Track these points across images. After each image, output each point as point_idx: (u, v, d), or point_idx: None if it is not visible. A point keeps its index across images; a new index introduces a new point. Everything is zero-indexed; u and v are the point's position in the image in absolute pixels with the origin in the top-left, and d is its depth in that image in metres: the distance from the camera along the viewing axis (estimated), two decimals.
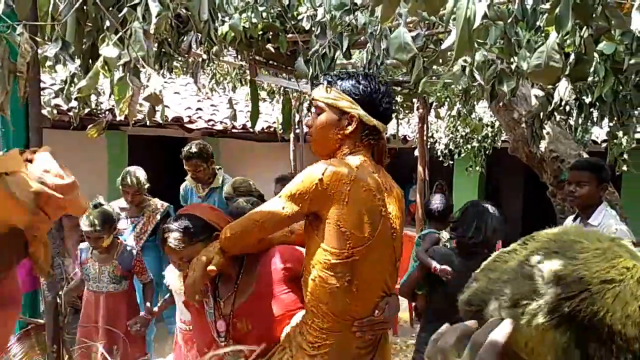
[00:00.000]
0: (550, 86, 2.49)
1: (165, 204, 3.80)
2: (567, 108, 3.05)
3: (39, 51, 1.34)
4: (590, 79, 2.38)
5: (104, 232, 2.81)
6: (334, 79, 1.65)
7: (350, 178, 1.52)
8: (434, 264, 2.60)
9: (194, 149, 3.73)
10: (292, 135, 6.54)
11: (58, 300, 1.80)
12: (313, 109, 1.70)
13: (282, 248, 1.80)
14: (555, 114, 2.96)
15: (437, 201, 3.60)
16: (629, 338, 0.55)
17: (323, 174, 1.51)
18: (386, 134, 1.80)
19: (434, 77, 3.96)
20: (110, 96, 3.12)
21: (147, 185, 3.68)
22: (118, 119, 4.51)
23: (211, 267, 1.64)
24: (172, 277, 2.55)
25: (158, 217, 3.70)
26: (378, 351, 1.68)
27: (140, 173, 3.64)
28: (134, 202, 3.67)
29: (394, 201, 1.67)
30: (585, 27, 1.71)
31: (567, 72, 1.80)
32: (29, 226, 0.82)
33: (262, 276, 1.75)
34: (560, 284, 0.58)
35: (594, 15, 1.60)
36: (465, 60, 2.28)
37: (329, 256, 1.54)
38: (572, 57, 1.82)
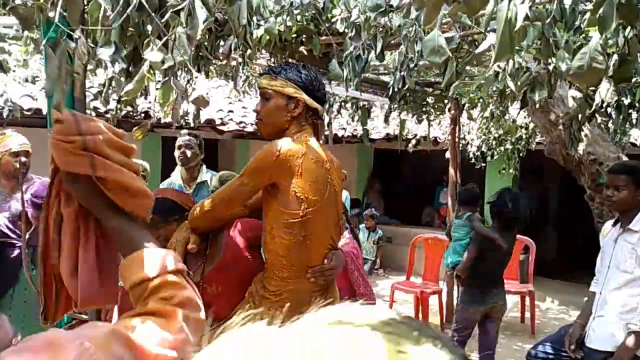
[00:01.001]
0: (591, 88, 2.44)
1: None
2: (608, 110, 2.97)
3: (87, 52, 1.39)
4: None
5: None
6: (278, 70, 1.90)
7: (302, 152, 1.78)
8: (496, 235, 3.39)
9: (190, 133, 3.95)
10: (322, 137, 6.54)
11: None
12: (259, 96, 1.94)
13: (243, 220, 2.03)
14: (597, 115, 2.89)
15: (467, 188, 4.36)
16: None
17: (279, 151, 1.76)
18: (323, 117, 2.18)
19: (466, 78, 3.91)
20: (147, 98, 3.17)
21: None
22: (163, 120, 4.62)
23: (192, 246, 1.86)
24: None
25: None
26: (328, 293, 1.98)
27: (140, 163, 3.72)
28: None
29: (335, 170, 1.96)
30: (629, 28, 1.67)
31: (610, 74, 1.76)
32: (89, 170, 0.88)
33: (228, 246, 1.97)
34: None
35: (639, 16, 1.57)
36: (498, 66, 2.24)
37: (287, 217, 1.81)
38: (615, 58, 1.78)
